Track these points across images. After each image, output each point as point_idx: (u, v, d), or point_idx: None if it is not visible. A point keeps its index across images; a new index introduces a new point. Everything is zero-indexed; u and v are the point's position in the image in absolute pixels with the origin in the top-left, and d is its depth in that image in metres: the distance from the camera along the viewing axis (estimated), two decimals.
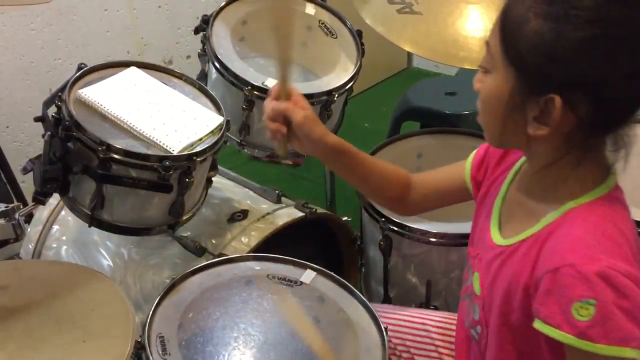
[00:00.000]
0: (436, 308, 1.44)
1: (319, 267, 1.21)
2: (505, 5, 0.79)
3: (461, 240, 1.40)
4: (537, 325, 0.78)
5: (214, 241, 1.41)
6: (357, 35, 1.59)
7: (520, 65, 0.77)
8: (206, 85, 1.43)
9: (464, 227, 1.40)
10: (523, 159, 0.94)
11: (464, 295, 1.01)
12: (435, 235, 1.41)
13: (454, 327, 1.13)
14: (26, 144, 2.20)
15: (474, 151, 1.07)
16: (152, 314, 1.07)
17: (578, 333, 0.74)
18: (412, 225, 1.42)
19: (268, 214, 1.47)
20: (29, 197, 1.35)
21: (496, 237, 0.92)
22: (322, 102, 1.46)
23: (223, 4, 1.54)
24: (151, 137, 1.22)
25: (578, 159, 0.81)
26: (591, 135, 0.79)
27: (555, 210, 0.82)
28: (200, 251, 1.38)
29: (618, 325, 0.73)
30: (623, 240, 0.78)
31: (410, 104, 2.16)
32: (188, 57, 2.52)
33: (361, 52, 1.57)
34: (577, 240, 0.77)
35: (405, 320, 1.21)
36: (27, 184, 1.90)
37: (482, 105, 0.85)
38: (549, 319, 0.76)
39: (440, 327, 1.18)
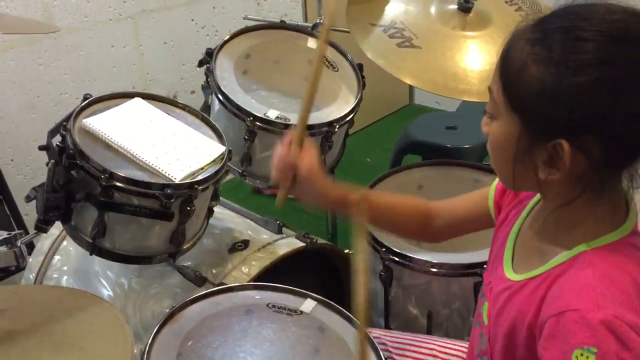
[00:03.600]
0: None
1: (319, 296, 1.21)
2: (503, 51, 0.79)
3: (462, 270, 1.39)
4: None
5: (214, 271, 1.41)
6: (358, 68, 1.62)
7: (524, 112, 0.77)
8: (209, 117, 1.45)
9: (465, 258, 1.41)
10: (538, 196, 0.93)
11: (475, 322, 1.00)
12: (436, 265, 1.40)
13: (461, 355, 1.12)
14: (30, 177, 2.21)
15: (496, 179, 1.06)
16: (151, 342, 1.06)
17: None
18: (412, 256, 1.42)
19: (269, 244, 1.47)
20: (31, 229, 1.36)
21: (507, 270, 0.90)
22: (323, 133, 1.47)
23: (227, 37, 1.58)
24: (154, 166, 1.23)
25: (593, 200, 0.79)
26: (604, 175, 0.78)
27: (566, 252, 0.81)
28: (200, 281, 1.38)
29: None
30: (634, 289, 0.75)
31: (412, 137, 2.18)
32: (192, 92, 2.56)
33: (362, 84, 1.59)
34: (584, 285, 0.75)
35: (411, 350, 1.20)
36: (30, 217, 1.90)
37: (492, 150, 0.85)
38: None
39: (448, 354, 1.16)
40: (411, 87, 3.29)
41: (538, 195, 0.93)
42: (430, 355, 1.18)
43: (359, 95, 1.56)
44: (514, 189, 0.90)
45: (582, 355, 0.71)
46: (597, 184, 0.78)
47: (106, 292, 1.46)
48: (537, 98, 0.74)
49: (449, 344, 1.21)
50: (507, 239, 0.94)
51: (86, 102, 1.30)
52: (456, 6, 1.60)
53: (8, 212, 1.90)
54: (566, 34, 0.74)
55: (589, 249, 0.79)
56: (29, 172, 2.22)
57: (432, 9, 1.61)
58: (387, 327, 1.50)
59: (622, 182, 0.80)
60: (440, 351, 1.18)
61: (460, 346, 1.20)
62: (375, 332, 1.22)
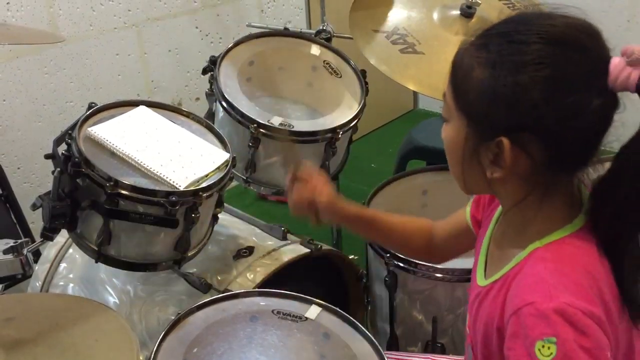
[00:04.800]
0: (442, 346, 1.43)
1: (324, 302, 1.21)
2: (455, 56, 0.83)
3: (466, 275, 1.39)
4: None
5: (219, 277, 1.41)
6: (361, 74, 1.62)
7: (469, 112, 0.80)
8: (213, 124, 1.46)
9: (469, 263, 1.40)
10: None
11: (465, 334, 1.01)
12: (440, 270, 1.40)
13: None
14: (37, 185, 2.23)
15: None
16: (157, 349, 1.06)
17: None
18: (417, 261, 1.42)
19: (274, 250, 1.47)
20: (37, 237, 1.37)
21: (479, 277, 0.92)
22: (326, 139, 1.48)
23: (231, 45, 1.58)
24: (158, 173, 1.24)
25: (541, 199, 0.81)
26: (548, 174, 0.80)
27: (522, 250, 0.82)
28: (205, 287, 1.38)
29: None
30: (587, 280, 0.76)
31: (415, 142, 2.18)
32: (197, 99, 2.57)
33: (365, 90, 1.60)
34: (537, 280, 0.76)
35: None
36: (37, 225, 1.92)
37: (446, 153, 0.88)
38: None
39: None
40: (415, 93, 3.30)
41: None
42: None
43: (363, 102, 1.57)
44: (467, 191, 0.91)
45: (543, 347, 0.72)
46: (545, 184, 0.81)
47: (112, 299, 1.46)
48: (479, 98, 0.78)
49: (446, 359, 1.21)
50: (481, 247, 0.96)
51: (91, 110, 1.31)
52: (458, 12, 1.60)
53: (15, 220, 1.90)
54: (505, 37, 0.77)
55: (542, 245, 0.81)
56: (35, 180, 2.23)
57: (435, 15, 1.62)
58: (392, 332, 1.50)
59: (574, 180, 0.82)
60: None
61: None
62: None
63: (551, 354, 0.71)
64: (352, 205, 1.12)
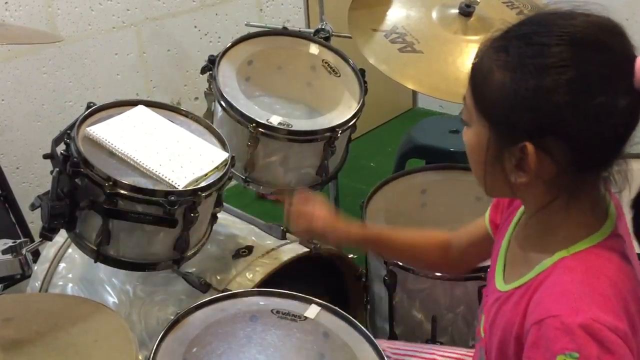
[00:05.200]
0: (442, 344, 1.43)
1: (323, 302, 1.21)
2: (474, 59, 0.81)
3: (466, 274, 1.39)
4: None
5: (218, 277, 1.41)
6: (360, 73, 1.62)
7: (491, 116, 0.79)
8: (212, 124, 1.46)
9: None
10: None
11: (477, 337, 1.00)
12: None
13: None
14: (36, 184, 2.22)
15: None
16: (156, 349, 1.06)
17: None
18: None
19: (273, 249, 1.47)
20: (37, 237, 1.37)
21: (498, 281, 0.91)
22: (325, 138, 1.48)
23: (229, 44, 1.58)
24: (157, 173, 1.23)
25: (567, 203, 0.80)
26: (577, 178, 0.79)
27: (547, 258, 0.81)
28: (205, 287, 1.38)
29: None
30: (614, 293, 0.75)
31: (415, 141, 2.18)
32: (196, 98, 2.57)
33: (364, 90, 1.60)
34: (563, 291, 0.76)
35: (413, 356, 1.20)
36: (36, 225, 1.91)
37: (469, 157, 0.87)
38: None
39: None
40: (414, 91, 3.30)
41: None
42: (430, 359, 1.18)
43: (362, 101, 1.57)
44: (490, 194, 0.90)
45: None
46: (571, 188, 0.79)
47: (111, 299, 1.46)
48: (501, 102, 0.77)
49: (450, 351, 1.21)
50: (500, 250, 0.95)
51: (90, 110, 1.31)
52: (457, 11, 1.60)
53: (14, 220, 1.90)
54: (525, 40, 0.76)
55: (569, 254, 0.79)
56: (34, 180, 2.23)
57: (434, 14, 1.62)
58: (392, 331, 1.50)
59: (600, 186, 0.81)
60: (442, 356, 1.19)
61: (461, 353, 1.20)
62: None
63: None
64: (355, 226, 1.12)
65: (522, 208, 0.94)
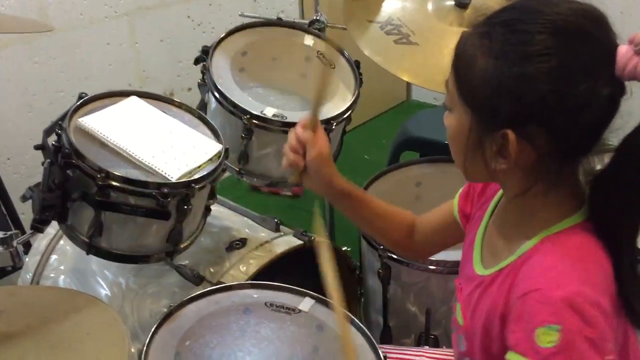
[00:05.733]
0: (436, 337, 1.43)
1: (317, 294, 1.20)
2: (457, 44, 0.81)
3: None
4: (509, 355, 0.76)
5: (212, 269, 1.41)
6: (355, 65, 1.61)
7: (473, 103, 0.79)
8: (206, 115, 1.44)
9: None
10: (501, 192, 0.94)
11: (453, 327, 1.00)
12: (433, 262, 1.40)
13: None
14: (27, 175, 2.20)
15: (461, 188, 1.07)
16: (149, 342, 1.05)
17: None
18: None
19: (266, 242, 1.47)
20: (28, 228, 1.36)
21: (478, 267, 0.91)
22: None
23: (223, 35, 1.57)
24: (150, 165, 1.22)
25: (547, 189, 0.81)
26: (555, 164, 0.79)
27: (529, 239, 0.82)
28: (198, 280, 1.37)
29: (581, 354, 0.71)
30: (597, 270, 0.76)
31: (409, 134, 2.18)
32: (189, 89, 2.55)
33: (359, 82, 1.59)
34: (546, 266, 0.76)
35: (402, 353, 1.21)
36: (27, 216, 1.90)
37: (449, 142, 0.87)
38: (517, 347, 0.74)
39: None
40: (408, 84, 3.29)
41: (501, 191, 0.94)
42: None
43: (357, 93, 1.56)
44: (470, 179, 0.92)
45: (544, 333, 0.71)
46: (551, 174, 0.80)
47: (103, 291, 1.45)
48: (483, 89, 0.77)
49: (437, 353, 1.21)
50: (475, 238, 0.95)
51: (81, 101, 1.29)
52: (453, 2, 1.59)
53: (5, 212, 1.89)
54: (509, 27, 0.76)
55: (551, 233, 0.80)
56: (26, 171, 2.21)
57: (429, 5, 1.61)
58: (386, 324, 1.50)
59: (578, 171, 0.82)
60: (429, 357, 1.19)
61: (448, 353, 1.20)
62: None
63: (552, 341, 0.71)
64: (343, 179, 1.07)
65: (498, 194, 0.94)
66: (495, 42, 0.76)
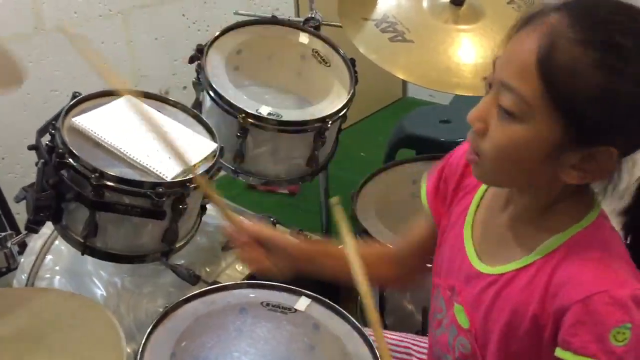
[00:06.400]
0: None
1: (313, 294, 1.20)
2: (542, 50, 0.74)
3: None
4: (566, 356, 0.76)
5: (208, 269, 1.40)
6: (351, 63, 1.61)
7: (573, 116, 0.74)
8: (201, 114, 1.44)
9: None
10: (484, 186, 0.93)
11: (437, 329, 0.98)
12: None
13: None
14: (21, 175, 2.19)
15: (423, 186, 1.04)
16: (145, 343, 1.05)
17: (615, 359, 0.73)
18: None
19: None
20: (23, 228, 1.35)
21: (479, 265, 0.89)
22: (315, 129, 1.46)
23: (217, 33, 1.56)
24: (144, 164, 1.22)
25: (577, 187, 0.80)
26: (617, 166, 0.79)
27: (557, 235, 0.81)
28: (194, 279, 1.37)
29: None
30: (630, 261, 0.79)
31: (405, 131, 2.18)
32: (184, 88, 2.54)
33: (354, 79, 1.58)
34: (600, 266, 0.77)
35: (403, 346, 1.20)
36: (22, 216, 1.89)
37: (501, 152, 0.79)
38: (582, 349, 0.75)
39: (423, 352, 1.16)
40: (404, 81, 3.28)
41: (484, 186, 0.92)
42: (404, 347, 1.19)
43: (352, 91, 1.55)
44: (495, 184, 0.89)
45: (618, 333, 0.73)
46: (605, 174, 0.79)
47: (99, 291, 1.44)
48: (593, 104, 0.72)
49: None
50: (463, 235, 0.93)
51: (75, 100, 1.29)
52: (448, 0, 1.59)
53: None
54: (628, 37, 0.72)
55: (581, 229, 0.80)
56: (20, 171, 2.20)
57: (425, 3, 1.60)
58: (382, 323, 1.50)
59: None
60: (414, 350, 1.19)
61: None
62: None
63: (625, 339, 0.73)
64: (300, 245, 1.09)
65: (482, 189, 0.93)
66: (609, 54, 0.72)
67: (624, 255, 0.79)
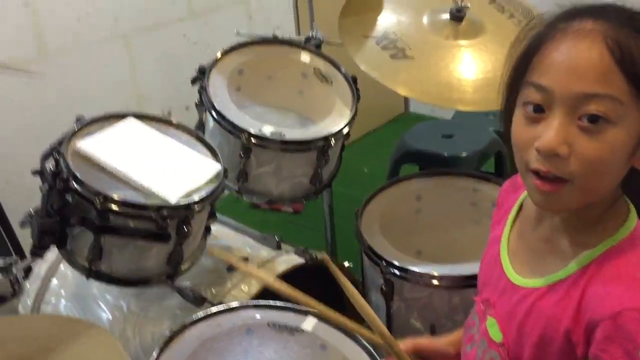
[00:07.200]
0: None
1: (319, 313, 1.19)
2: (613, 51, 0.74)
3: (464, 282, 1.38)
4: None
5: (213, 290, 1.39)
6: (352, 80, 1.61)
7: None
8: (203, 135, 1.44)
9: (466, 269, 1.39)
10: (521, 198, 0.93)
11: (468, 344, 0.97)
12: (437, 278, 1.39)
13: None
14: (26, 199, 2.19)
15: None
16: None
17: None
18: (413, 269, 1.40)
19: (268, 261, 1.46)
20: (28, 252, 1.35)
21: (516, 279, 0.88)
22: (319, 147, 1.46)
23: (219, 54, 1.57)
24: (149, 187, 1.22)
25: (616, 196, 0.80)
26: None
27: (590, 249, 0.80)
28: (199, 301, 1.36)
29: None
30: None
31: (408, 147, 2.17)
32: (187, 108, 2.54)
33: (356, 97, 1.58)
34: (629, 282, 0.76)
35: None
36: (27, 240, 1.89)
37: (596, 164, 0.76)
38: None
39: None
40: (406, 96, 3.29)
41: (521, 198, 0.92)
42: None
43: (354, 108, 1.56)
44: (585, 204, 0.82)
45: None
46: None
47: (105, 315, 1.44)
48: None
49: None
50: (500, 249, 0.92)
51: (79, 124, 1.29)
52: (448, 16, 1.59)
53: (4, 235, 1.88)
54: None
55: (615, 243, 0.79)
56: (25, 194, 2.20)
57: (425, 19, 1.61)
58: None
59: None
60: None
61: None
62: None
63: None
64: (447, 337, 1.07)
65: (519, 201, 0.92)
66: None
67: None
